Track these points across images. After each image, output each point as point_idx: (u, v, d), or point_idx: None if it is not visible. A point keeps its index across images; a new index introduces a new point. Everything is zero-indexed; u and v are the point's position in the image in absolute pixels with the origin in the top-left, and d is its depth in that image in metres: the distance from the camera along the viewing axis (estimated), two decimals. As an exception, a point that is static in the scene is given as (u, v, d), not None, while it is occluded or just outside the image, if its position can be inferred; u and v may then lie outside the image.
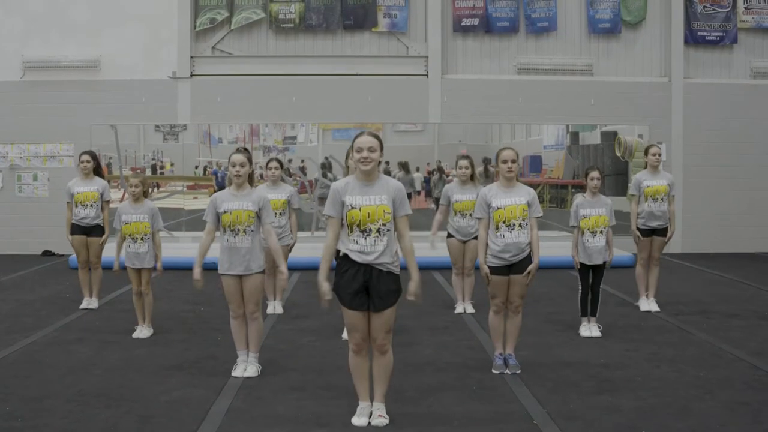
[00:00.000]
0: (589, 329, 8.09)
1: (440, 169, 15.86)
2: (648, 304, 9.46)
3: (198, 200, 15.79)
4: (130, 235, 8.10)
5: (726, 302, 10.08)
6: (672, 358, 7.18)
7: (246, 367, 6.64)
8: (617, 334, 8.14)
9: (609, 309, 9.18)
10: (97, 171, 9.79)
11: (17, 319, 8.96)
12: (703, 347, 7.63)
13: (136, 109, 15.09)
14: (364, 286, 5.22)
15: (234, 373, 6.61)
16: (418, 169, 16.11)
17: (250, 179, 6.70)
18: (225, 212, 6.49)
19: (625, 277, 11.06)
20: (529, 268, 6.57)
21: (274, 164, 9.29)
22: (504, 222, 6.52)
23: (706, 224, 15.55)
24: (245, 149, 6.81)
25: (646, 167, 9.41)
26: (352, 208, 5.21)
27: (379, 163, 5.29)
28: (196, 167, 15.95)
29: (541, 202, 15.85)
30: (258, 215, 6.57)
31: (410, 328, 8.41)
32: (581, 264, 8.09)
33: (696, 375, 6.61)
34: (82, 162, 9.55)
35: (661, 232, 9.41)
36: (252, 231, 6.54)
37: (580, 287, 8.15)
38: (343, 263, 5.31)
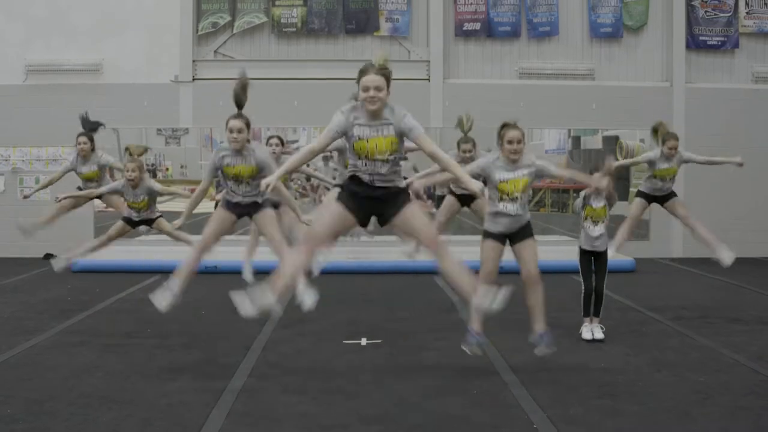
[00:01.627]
0: (591, 330, 8.07)
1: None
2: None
3: (201, 203, 15.79)
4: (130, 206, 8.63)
5: (727, 307, 10.08)
6: (673, 362, 7.19)
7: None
8: (618, 338, 8.13)
9: (610, 314, 9.17)
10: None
11: (19, 322, 8.97)
12: (704, 352, 7.63)
13: (138, 113, 15.12)
14: (371, 204, 5.35)
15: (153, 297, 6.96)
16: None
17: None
18: (228, 165, 6.70)
19: (626, 282, 11.07)
20: None
21: (274, 140, 9.13)
22: (507, 194, 6.53)
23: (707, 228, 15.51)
24: (242, 114, 6.95)
25: (660, 155, 9.51)
26: (360, 139, 5.22)
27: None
28: (165, 163, 15.91)
29: (543, 206, 15.98)
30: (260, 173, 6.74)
31: (411, 331, 8.42)
32: (583, 253, 8.13)
33: (697, 380, 6.61)
34: (79, 144, 9.64)
35: (666, 198, 9.71)
36: (255, 183, 6.70)
37: (582, 287, 8.14)
38: (350, 183, 5.36)
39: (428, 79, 15.49)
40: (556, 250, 12.94)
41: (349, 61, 15.54)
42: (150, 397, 6.09)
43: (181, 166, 16.01)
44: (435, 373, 6.83)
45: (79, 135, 10.19)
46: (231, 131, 6.84)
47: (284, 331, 8.56)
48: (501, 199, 6.59)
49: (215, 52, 15.61)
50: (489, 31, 15.63)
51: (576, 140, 16.22)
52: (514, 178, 6.56)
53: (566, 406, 5.89)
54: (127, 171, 8.40)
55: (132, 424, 5.44)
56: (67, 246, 11.59)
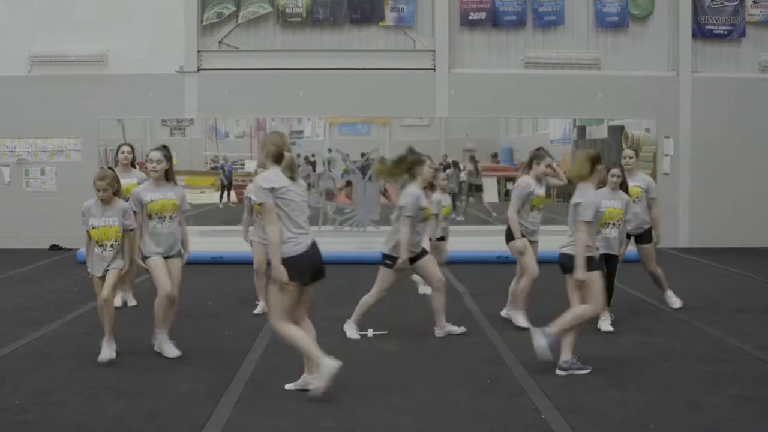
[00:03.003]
0: (601, 321, 8.01)
1: (455, 164, 15.73)
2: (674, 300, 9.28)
3: (204, 194, 15.80)
4: (97, 241, 6.95)
5: (734, 297, 10.06)
6: (680, 352, 7.18)
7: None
8: (626, 328, 8.12)
9: (618, 304, 9.15)
10: (133, 164, 9.71)
11: (26, 313, 9.00)
12: (712, 342, 7.62)
13: (143, 104, 15.08)
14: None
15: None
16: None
17: (168, 174, 7.23)
18: (151, 201, 7.05)
19: (634, 271, 11.02)
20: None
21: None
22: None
23: (713, 219, 15.49)
24: (164, 146, 7.34)
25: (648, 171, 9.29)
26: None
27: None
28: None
29: (548, 196, 15.87)
30: (179, 205, 7.21)
31: (418, 322, 8.41)
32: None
33: (704, 369, 6.61)
34: (123, 152, 9.53)
35: (642, 238, 9.09)
36: (176, 217, 7.16)
37: None
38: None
39: (433, 69, 15.44)
40: (562, 240, 12.90)
41: (354, 50, 15.52)
42: (157, 387, 6.10)
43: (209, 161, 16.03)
44: (442, 363, 6.84)
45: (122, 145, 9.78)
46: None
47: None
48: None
49: (220, 42, 15.57)
50: (494, 20, 15.57)
51: (581, 130, 16.16)
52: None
53: (574, 395, 5.89)
54: (99, 190, 7.04)
55: (139, 415, 5.46)
56: (73, 239, 11.55)
